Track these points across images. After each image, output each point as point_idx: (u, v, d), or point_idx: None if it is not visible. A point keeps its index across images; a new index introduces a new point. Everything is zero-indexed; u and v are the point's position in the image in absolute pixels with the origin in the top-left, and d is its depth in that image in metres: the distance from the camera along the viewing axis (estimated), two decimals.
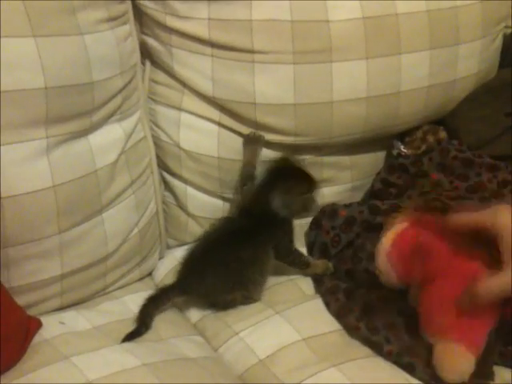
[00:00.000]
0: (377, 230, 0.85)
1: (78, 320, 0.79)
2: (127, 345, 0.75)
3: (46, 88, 0.72)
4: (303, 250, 0.91)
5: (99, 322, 0.78)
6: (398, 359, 0.73)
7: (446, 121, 1.00)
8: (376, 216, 0.88)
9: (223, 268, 0.81)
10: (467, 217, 0.66)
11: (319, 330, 0.78)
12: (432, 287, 0.69)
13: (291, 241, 0.87)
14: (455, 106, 0.99)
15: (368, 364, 0.73)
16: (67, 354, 0.71)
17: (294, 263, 0.87)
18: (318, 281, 0.86)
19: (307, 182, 0.84)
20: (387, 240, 0.71)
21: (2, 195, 0.71)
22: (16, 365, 0.69)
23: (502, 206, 0.65)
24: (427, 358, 0.71)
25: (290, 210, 0.83)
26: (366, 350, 0.75)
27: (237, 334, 0.80)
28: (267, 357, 0.75)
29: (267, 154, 0.93)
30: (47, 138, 0.74)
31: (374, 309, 0.78)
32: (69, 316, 0.79)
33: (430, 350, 0.71)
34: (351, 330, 0.77)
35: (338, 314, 0.80)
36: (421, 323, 0.72)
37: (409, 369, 0.72)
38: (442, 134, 0.99)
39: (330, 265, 0.87)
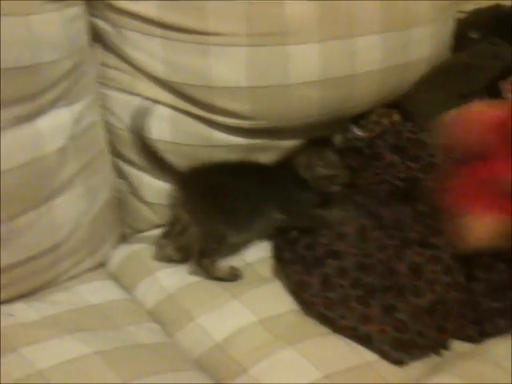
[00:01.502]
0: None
1: (27, 311, 0.76)
2: (79, 334, 0.73)
3: None
4: None
5: (50, 313, 0.76)
6: (353, 333, 0.74)
7: (400, 103, 1.01)
8: None
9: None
10: None
11: (275, 312, 0.78)
12: (483, 165, 0.75)
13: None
14: (409, 88, 1.00)
15: (324, 342, 0.74)
16: (16, 345, 0.69)
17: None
18: (279, 249, 0.86)
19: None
20: (466, 110, 0.77)
21: None
22: None
23: None
24: (381, 322, 0.74)
25: (312, 173, 0.89)
26: (321, 329, 0.76)
27: (193, 319, 0.79)
28: (224, 340, 0.75)
29: (224, 138, 0.92)
30: None
31: (331, 282, 0.78)
32: (18, 307, 0.77)
33: (385, 311, 0.74)
34: (307, 306, 0.78)
35: (296, 290, 0.80)
36: (452, 196, 0.76)
37: (365, 341, 0.73)
38: (396, 117, 1.00)
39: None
